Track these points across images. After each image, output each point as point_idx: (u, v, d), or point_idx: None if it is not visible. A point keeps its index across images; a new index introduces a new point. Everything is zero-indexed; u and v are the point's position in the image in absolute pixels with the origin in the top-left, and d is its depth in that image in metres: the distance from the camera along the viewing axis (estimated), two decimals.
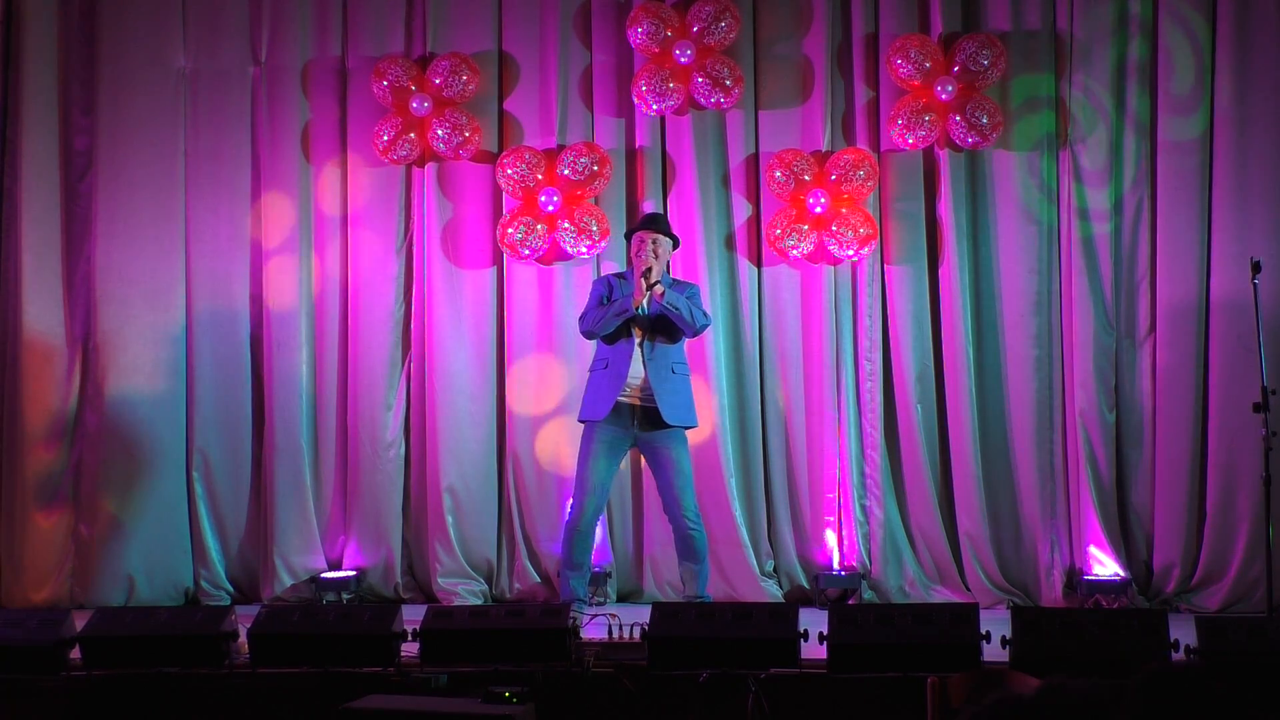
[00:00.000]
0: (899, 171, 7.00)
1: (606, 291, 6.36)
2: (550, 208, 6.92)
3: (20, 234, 7.16)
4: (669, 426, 6.22)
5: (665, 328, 6.24)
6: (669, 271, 6.56)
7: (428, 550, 7.11)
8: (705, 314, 6.37)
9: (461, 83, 7.02)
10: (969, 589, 6.77)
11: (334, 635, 5.41)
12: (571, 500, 6.41)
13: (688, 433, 6.44)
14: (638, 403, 6.24)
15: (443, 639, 5.36)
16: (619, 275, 6.48)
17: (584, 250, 6.95)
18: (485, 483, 7.17)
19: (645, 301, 6.21)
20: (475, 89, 7.08)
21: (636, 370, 6.23)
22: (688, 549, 6.30)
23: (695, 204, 7.06)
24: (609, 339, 6.27)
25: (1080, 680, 1.98)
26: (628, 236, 6.52)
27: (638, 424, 6.25)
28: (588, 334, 6.37)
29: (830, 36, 7.02)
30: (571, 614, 5.48)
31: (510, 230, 6.96)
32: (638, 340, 6.24)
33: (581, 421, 6.35)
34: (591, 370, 6.39)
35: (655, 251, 6.32)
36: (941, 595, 6.76)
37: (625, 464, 6.73)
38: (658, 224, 6.45)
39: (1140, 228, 6.81)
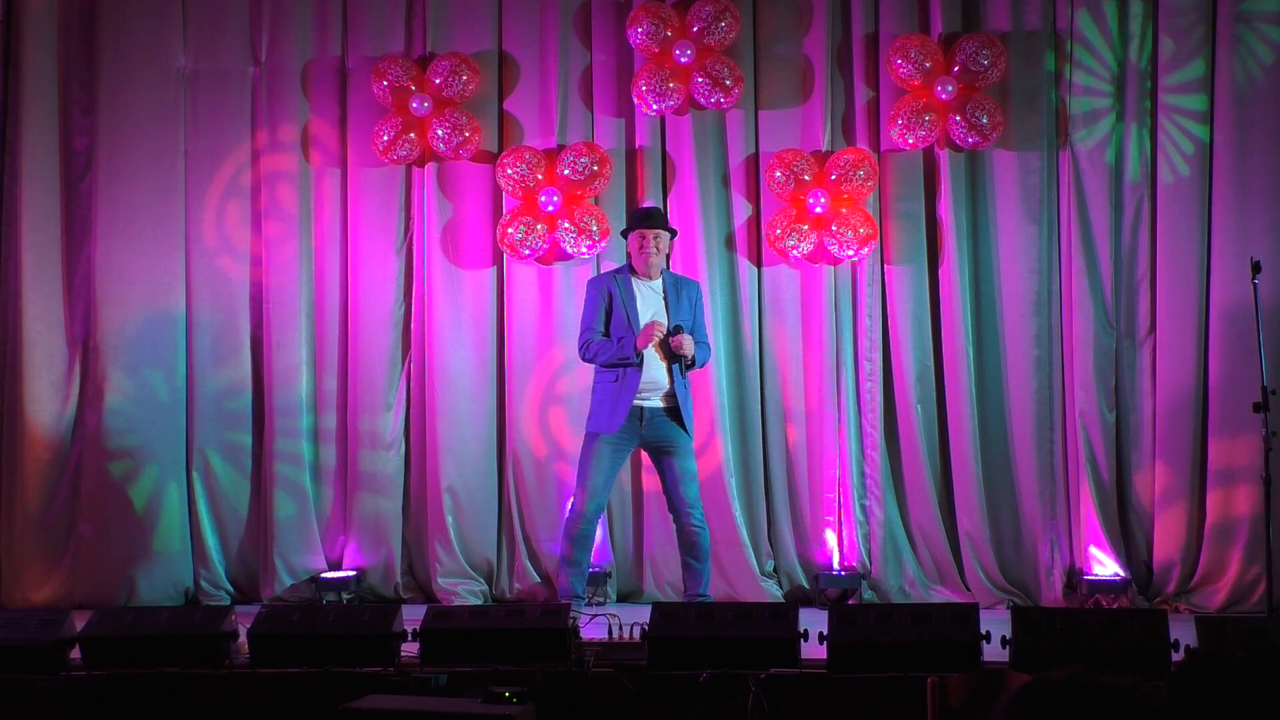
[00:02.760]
0: (899, 171, 7.00)
1: (606, 303, 6.33)
2: (550, 208, 6.92)
3: (20, 234, 7.16)
4: (677, 428, 6.22)
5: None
6: (669, 266, 6.56)
7: (428, 550, 7.11)
8: (708, 347, 6.48)
9: (461, 83, 7.02)
10: (969, 589, 6.77)
11: (334, 635, 5.41)
12: (572, 498, 6.41)
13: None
14: (657, 405, 6.23)
15: (443, 639, 5.36)
16: (615, 274, 6.47)
17: (584, 250, 6.95)
18: (485, 483, 7.17)
19: (679, 369, 6.23)
20: (475, 89, 7.08)
21: (663, 379, 6.23)
22: (692, 548, 6.29)
23: (695, 204, 7.06)
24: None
25: (1113, 674, 1.95)
26: (625, 234, 6.52)
27: (645, 425, 6.25)
28: (589, 361, 6.37)
29: (830, 36, 7.02)
30: (571, 614, 5.48)
31: (510, 230, 6.96)
32: (661, 355, 6.23)
33: (591, 433, 6.33)
34: (599, 380, 6.34)
35: (656, 246, 6.33)
36: (941, 595, 6.76)
37: (625, 464, 6.72)
38: (654, 219, 6.43)
39: (1140, 228, 6.81)
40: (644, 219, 6.45)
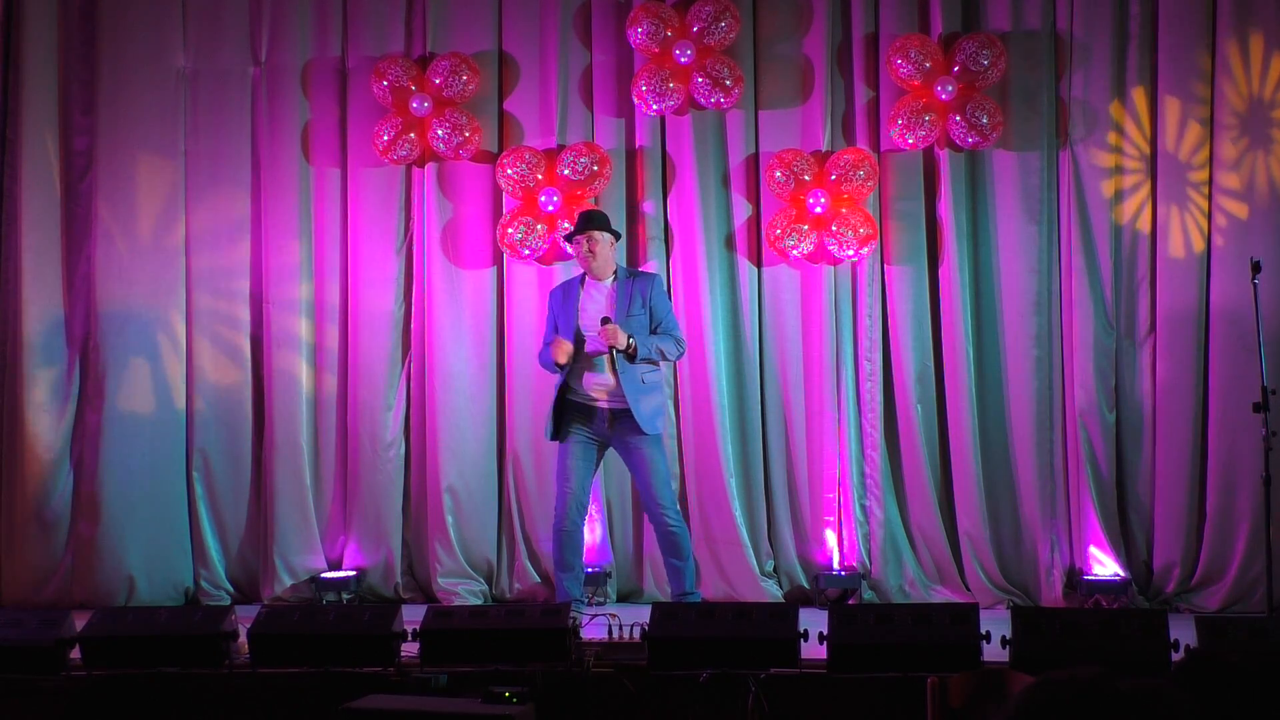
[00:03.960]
0: (899, 171, 6.99)
1: (553, 315, 6.39)
2: (550, 208, 6.92)
3: (20, 234, 7.16)
4: (635, 428, 6.20)
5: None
6: (625, 263, 6.52)
7: (428, 550, 7.11)
8: (679, 341, 6.34)
9: (461, 83, 7.02)
10: (969, 589, 6.76)
11: (334, 635, 5.42)
12: (555, 504, 6.40)
13: (682, 430, 6.45)
14: (609, 406, 6.22)
15: (443, 639, 5.37)
16: (570, 281, 6.47)
17: None
18: (485, 483, 7.17)
19: (620, 350, 6.13)
20: (475, 89, 7.08)
21: (607, 378, 6.21)
22: (670, 546, 6.29)
23: (695, 204, 7.06)
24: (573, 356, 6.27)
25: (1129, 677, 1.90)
26: (568, 240, 6.51)
27: (609, 426, 6.24)
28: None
29: (830, 36, 7.01)
30: (571, 614, 5.48)
31: (510, 230, 6.96)
32: (607, 356, 6.21)
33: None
34: (558, 389, 6.34)
35: (589, 249, 6.30)
36: (941, 595, 6.76)
37: (597, 462, 6.70)
38: (582, 223, 6.39)
39: (1140, 228, 6.81)
40: (582, 224, 6.39)
